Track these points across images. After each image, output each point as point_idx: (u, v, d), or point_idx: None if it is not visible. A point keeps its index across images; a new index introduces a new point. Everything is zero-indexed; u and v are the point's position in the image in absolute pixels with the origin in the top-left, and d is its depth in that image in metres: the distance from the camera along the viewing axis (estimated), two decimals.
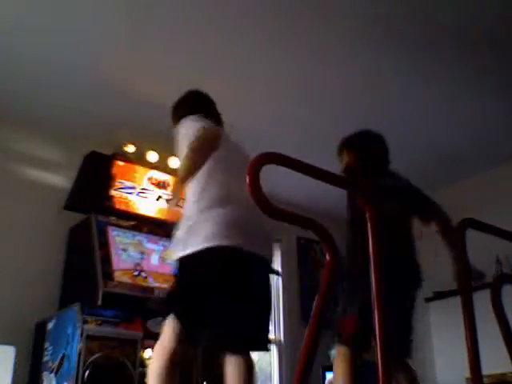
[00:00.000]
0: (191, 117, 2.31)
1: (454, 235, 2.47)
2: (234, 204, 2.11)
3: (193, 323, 2.07)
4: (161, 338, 2.06)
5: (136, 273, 3.26)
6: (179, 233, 2.13)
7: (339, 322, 2.45)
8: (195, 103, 2.49)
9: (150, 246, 3.50)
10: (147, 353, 2.96)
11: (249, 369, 2.11)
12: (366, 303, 2.36)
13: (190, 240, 2.06)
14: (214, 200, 2.11)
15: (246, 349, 2.13)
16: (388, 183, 2.57)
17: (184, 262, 2.09)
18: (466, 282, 1.55)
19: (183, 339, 2.03)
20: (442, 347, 4.34)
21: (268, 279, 2.23)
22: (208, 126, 2.20)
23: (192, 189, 2.17)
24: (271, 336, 4.55)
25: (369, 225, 1.38)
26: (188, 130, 2.19)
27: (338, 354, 2.43)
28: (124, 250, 3.34)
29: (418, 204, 2.68)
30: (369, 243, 1.33)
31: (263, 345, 2.25)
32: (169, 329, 2.04)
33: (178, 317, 2.04)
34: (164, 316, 2.11)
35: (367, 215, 1.39)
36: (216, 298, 2.06)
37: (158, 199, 3.76)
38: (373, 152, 2.69)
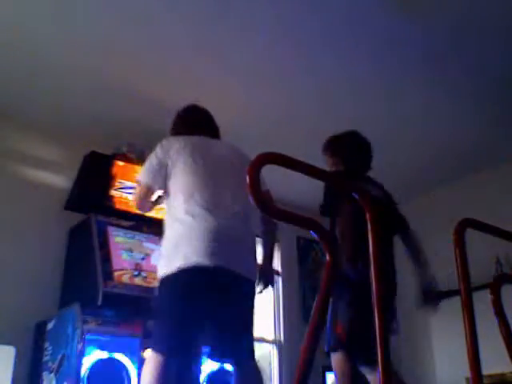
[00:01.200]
0: (161, 143, 2.40)
1: (421, 259, 2.58)
2: (212, 218, 2.13)
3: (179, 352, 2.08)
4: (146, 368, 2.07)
5: (136, 273, 3.26)
6: (161, 249, 2.25)
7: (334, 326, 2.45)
8: (182, 122, 2.57)
9: (150, 245, 3.50)
10: (147, 353, 2.96)
11: (256, 373, 2.13)
12: (354, 316, 2.40)
13: (169, 259, 2.13)
14: (192, 214, 2.15)
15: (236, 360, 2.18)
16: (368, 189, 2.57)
17: (162, 282, 2.15)
18: (466, 282, 1.55)
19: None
20: (441, 347, 4.34)
21: (244, 297, 2.22)
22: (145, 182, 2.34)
23: (168, 204, 2.29)
24: (269, 337, 4.55)
25: (369, 227, 1.38)
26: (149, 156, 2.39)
27: (334, 360, 2.45)
28: (124, 249, 3.34)
29: (393, 222, 2.66)
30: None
31: (245, 355, 2.23)
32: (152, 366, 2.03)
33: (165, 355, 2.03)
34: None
35: (368, 217, 1.39)
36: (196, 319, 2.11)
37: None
38: (357, 156, 2.70)
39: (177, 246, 2.12)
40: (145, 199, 2.39)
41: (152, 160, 2.34)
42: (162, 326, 2.14)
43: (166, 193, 2.33)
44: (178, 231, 2.15)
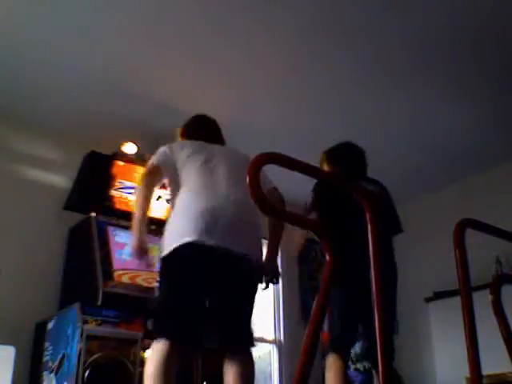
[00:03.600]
0: (161, 147, 2.45)
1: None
2: (210, 201, 2.21)
3: (184, 337, 2.09)
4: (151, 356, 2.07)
5: (136, 273, 3.25)
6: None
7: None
8: (189, 129, 2.63)
9: (150, 246, 3.49)
10: (147, 353, 2.96)
11: (246, 368, 2.12)
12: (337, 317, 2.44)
13: (167, 242, 2.22)
14: (191, 200, 2.24)
15: (235, 347, 2.18)
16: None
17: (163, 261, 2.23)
18: (466, 282, 1.55)
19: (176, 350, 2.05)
20: (441, 347, 4.34)
21: (242, 276, 2.23)
22: (155, 160, 2.38)
23: (172, 201, 2.37)
24: (269, 337, 4.55)
25: (369, 226, 1.38)
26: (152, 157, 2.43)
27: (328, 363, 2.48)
28: (124, 250, 3.34)
29: (390, 220, 2.68)
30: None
31: (244, 341, 2.24)
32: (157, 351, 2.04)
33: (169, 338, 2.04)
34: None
35: (368, 216, 1.39)
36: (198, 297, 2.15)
37: (157, 199, 3.76)
38: (351, 167, 2.74)
39: (175, 228, 2.22)
40: (151, 176, 2.37)
41: (161, 151, 2.42)
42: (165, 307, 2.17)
43: (170, 188, 2.40)
44: (178, 217, 2.25)
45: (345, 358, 2.49)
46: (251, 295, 2.27)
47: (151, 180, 2.36)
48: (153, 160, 2.38)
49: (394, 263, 2.62)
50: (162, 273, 2.25)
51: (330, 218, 2.43)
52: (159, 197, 3.76)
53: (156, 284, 3.25)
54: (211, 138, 2.56)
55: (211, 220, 2.14)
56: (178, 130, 2.65)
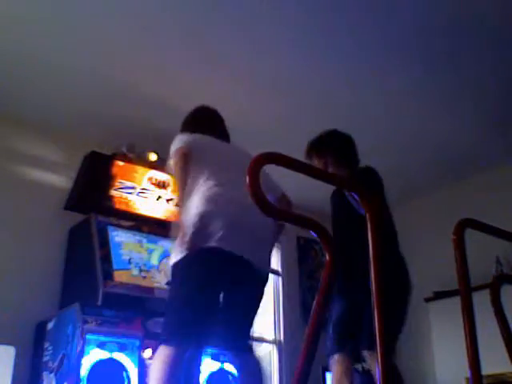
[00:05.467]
0: (178, 136, 2.39)
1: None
2: (229, 207, 2.17)
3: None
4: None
5: (135, 273, 3.26)
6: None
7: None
8: (193, 121, 2.58)
9: (150, 245, 3.50)
10: (147, 353, 2.96)
11: (253, 366, 2.14)
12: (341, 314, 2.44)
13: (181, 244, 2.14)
14: (204, 204, 2.18)
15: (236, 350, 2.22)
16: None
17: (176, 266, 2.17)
18: (466, 282, 1.55)
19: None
20: (441, 347, 4.34)
21: (252, 284, 2.25)
22: (181, 145, 2.29)
23: (185, 197, 2.25)
24: (269, 337, 4.55)
25: (369, 225, 1.38)
26: (171, 150, 2.33)
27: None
28: (124, 249, 3.35)
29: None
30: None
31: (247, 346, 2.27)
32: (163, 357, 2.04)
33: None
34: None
35: (367, 215, 1.39)
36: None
37: (158, 199, 3.76)
38: (343, 154, 2.71)
39: (192, 231, 2.13)
40: (185, 166, 2.24)
41: (180, 137, 2.35)
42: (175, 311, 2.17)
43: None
44: (195, 217, 2.16)
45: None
46: (258, 307, 2.32)
47: (186, 167, 2.25)
48: (176, 147, 2.29)
49: (405, 265, 2.60)
50: (182, 272, 2.19)
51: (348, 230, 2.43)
52: (159, 197, 3.77)
53: (158, 284, 3.26)
54: (220, 134, 2.53)
55: (231, 227, 2.12)
56: (185, 121, 2.60)
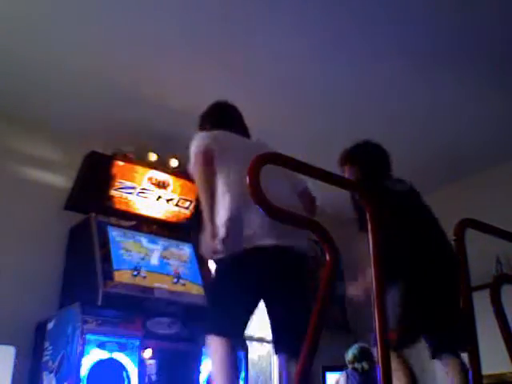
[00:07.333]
0: (198, 135, 2.30)
1: None
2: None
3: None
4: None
5: (136, 273, 3.26)
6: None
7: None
8: (212, 116, 2.51)
9: (150, 245, 3.50)
10: (147, 353, 2.96)
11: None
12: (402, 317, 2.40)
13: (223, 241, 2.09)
14: (236, 206, 2.11)
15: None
16: (394, 187, 2.59)
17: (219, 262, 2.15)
18: (466, 282, 1.55)
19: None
20: None
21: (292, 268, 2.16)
22: (200, 146, 2.18)
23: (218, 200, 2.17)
24: (269, 337, 4.55)
25: (369, 225, 1.38)
26: (191, 152, 2.21)
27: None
28: (124, 249, 3.35)
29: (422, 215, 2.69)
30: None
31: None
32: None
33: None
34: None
35: (368, 215, 1.39)
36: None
37: (158, 199, 3.76)
38: (375, 164, 2.73)
39: (230, 230, 2.08)
40: (208, 167, 2.13)
41: (199, 136, 2.25)
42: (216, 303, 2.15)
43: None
44: (231, 216, 2.10)
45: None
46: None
47: (209, 167, 2.13)
48: (196, 148, 2.16)
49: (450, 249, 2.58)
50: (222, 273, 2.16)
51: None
52: (159, 197, 3.77)
53: (157, 285, 3.26)
54: (240, 129, 2.46)
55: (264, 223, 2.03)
56: (204, 116, 2.52)
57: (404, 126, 3.85)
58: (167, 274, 3.39)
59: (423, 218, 2.64)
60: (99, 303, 2.97)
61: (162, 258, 3.47)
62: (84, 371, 2.79)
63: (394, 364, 2.37)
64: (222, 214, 2.11)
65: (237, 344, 2.17)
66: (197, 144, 2.19)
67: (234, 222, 2.08)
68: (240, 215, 2.09)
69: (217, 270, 2.22)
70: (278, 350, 2.17)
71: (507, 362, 1.61)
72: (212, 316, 2.18)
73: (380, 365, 1.27)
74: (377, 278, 1.33)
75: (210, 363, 2.13)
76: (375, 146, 2.77)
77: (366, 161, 2.72)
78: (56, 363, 2.96)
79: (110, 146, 3.72)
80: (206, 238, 2.10)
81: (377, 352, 1.25)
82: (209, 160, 2.14)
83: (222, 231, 2.08)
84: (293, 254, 2.14)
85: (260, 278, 2.09)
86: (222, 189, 2.15)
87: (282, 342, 2.16)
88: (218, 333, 2.04)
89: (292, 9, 2.82)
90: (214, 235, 2.07)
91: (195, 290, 3.44)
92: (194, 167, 2.16)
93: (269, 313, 2.19)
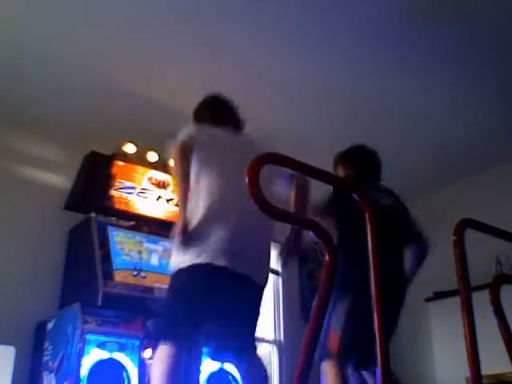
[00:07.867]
0: (184, 128, 2.30)
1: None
2: (230, 218, 2.09)
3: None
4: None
5: (135, 273, 3.26)
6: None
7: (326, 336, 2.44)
8: (201, 111, 2.49)
9: (150, 245, 3.50)
10: (147, 353, 2.96)
11: (254, 369, 2.13)
12: (351, 319, 2.40)
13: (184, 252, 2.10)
14: (207, 216, 2.10)
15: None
16: (379, 198, 2.57)
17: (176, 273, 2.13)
18: (466, 282, 1.55)
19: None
20: (441, 347, 4.34)
21: (252, 300, 2.21)
22: (181, 139, 2.19)
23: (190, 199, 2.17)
24: (269, 337, 4.55)
25: (368, 225, 1.38)
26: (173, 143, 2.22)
27: (326, 369, 2.44)
28: (124, 250, 3.35)
29: (406, 232, 2.70)
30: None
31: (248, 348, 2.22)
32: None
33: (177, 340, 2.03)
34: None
35: (366, 216, 1.39)
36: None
37: (158, 199, 3.76)
38: (366, 169, 2.73)
39: (193, 242, 2.08)
40: (183, 157, 2.14)
41: (183, 131, 2.25)
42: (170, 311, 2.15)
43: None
44: (196, 226, 2.10)
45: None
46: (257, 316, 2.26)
47: (184, 158, 2.14)
48: (177, 140, 2.18)
49: (403, 274, 2.60)
50: (178, 283, 2.16)
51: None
52: (159, 197, 3.77)
53: (157, 285, 3.26)
54: (234, 123, 2.45)
55: (231, 241, 2.06)
56: (198, 109, 2.51)
57: (404, 126, 3.84)
58: (167, 274, 3.39)
59: (399, 239, 2.62)
60: (99, 303, 2.98)
61: (162, 258, 3.47)
62: (84, 371, 2.80)
63: (333, 371, 2.40)
64: (194, 212, 2.10)
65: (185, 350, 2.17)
66: (178, 137, 2.20)
67: (201, 229, 2.08)
68: (209, 226, 2.08)
69: (172, 279, 2.19)
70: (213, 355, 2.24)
71: (507, 361, 1.61)
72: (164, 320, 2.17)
73: (380, 365, 1.27)
74: (377, 278, 1.33)
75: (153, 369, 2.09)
76: (370, 152, 2.79)
77: (360, 166, 2.73)
78: (56, 363, 2.96)
79: (110, 146, 3.72)
80: (176, 229, 2.09)
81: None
82: (186, 155, 2.15)
83: (191, 235, 2.07)
84: (248, 282, 2.12)
85: (208, 299, 2.09)
86: (195, 187, 2.14)
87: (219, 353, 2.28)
88: (166, 338, 2.04)
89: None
90: (183, 228, 2.07)
91: None
92: (171, 160, 2.20)
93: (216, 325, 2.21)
